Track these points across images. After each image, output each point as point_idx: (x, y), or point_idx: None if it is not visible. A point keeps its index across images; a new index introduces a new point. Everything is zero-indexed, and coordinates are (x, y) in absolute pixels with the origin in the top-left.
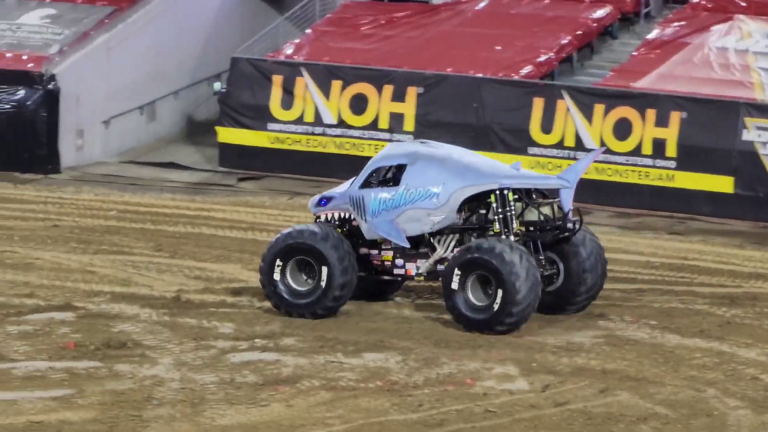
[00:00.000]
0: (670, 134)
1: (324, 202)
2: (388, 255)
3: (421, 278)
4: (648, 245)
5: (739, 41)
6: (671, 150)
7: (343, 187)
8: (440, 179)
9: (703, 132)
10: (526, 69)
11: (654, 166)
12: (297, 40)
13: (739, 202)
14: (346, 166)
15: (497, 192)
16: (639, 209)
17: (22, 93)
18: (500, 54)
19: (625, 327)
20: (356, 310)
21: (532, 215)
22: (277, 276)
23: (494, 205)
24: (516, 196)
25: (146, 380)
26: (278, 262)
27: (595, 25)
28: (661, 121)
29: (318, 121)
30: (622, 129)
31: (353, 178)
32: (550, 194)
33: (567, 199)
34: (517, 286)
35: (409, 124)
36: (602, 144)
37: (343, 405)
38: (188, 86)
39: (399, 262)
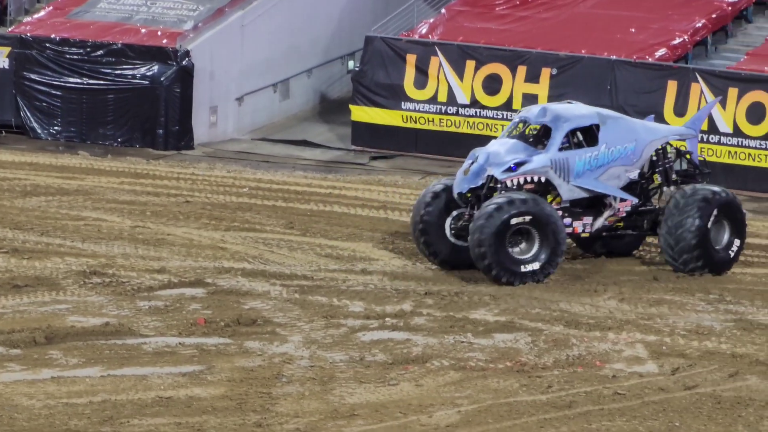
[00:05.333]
0: None
1: (514, 167)
2: None
3: (587, 235)
4: None
5: None
6: None
7: (500, 152)
8: (631, 136)
9: None
10: (660, 52)
11: None
12: (431, 20)
13: None
14: (479, 146)
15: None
16: None
17: (156, 69)
18: (634, 36)
19: (755, 311)
20: (488, 290)
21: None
22: (503, 246)
23: (654, 158)
24: (673, 149)
25: (276, 357)
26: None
27: (729, 8)
28: None
29: (451, 100)
30: (756, 113)
31: (496, 144)
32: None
33: (695, 148)
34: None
35: None
36: (735, 127)
37: (472, 385)
38: (322, 64)
39: (566, 221)
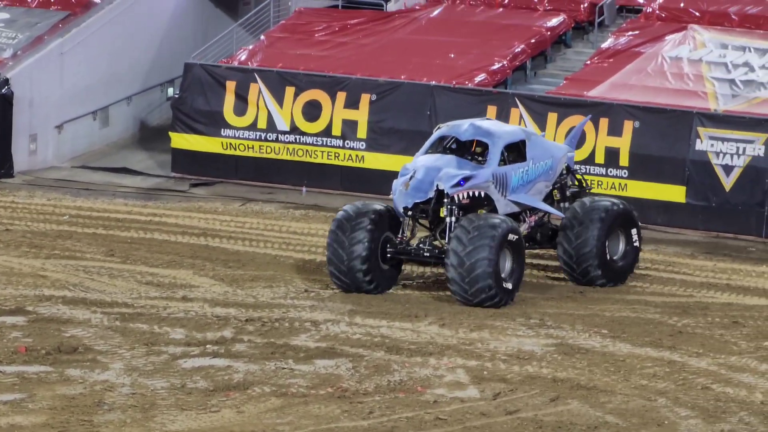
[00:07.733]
0: (623, 143)
1: (462, 182)
2: None
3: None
4: None
5: (693, 51)
6: (624, 159)
7: (440, 166)
8: (549, 153)
9: (655, 141)
10: (480, 77)
11: (606, 175)
12: (251, 47)
13: (691, 211)
14: (299, 172)
15: None
16: None
17: None
18: (454, 62)
19: (576, 335)
20: (309, 316)
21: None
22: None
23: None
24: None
25: (97, 385)
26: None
27: (548, 33)
28: (614, 130)
29: (271, 127)
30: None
31: (430, 159)
32: None
33: (572, 165)
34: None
35: (362, 131)
36: None
37: (294, 411)
38: (141, 91)
39: None
